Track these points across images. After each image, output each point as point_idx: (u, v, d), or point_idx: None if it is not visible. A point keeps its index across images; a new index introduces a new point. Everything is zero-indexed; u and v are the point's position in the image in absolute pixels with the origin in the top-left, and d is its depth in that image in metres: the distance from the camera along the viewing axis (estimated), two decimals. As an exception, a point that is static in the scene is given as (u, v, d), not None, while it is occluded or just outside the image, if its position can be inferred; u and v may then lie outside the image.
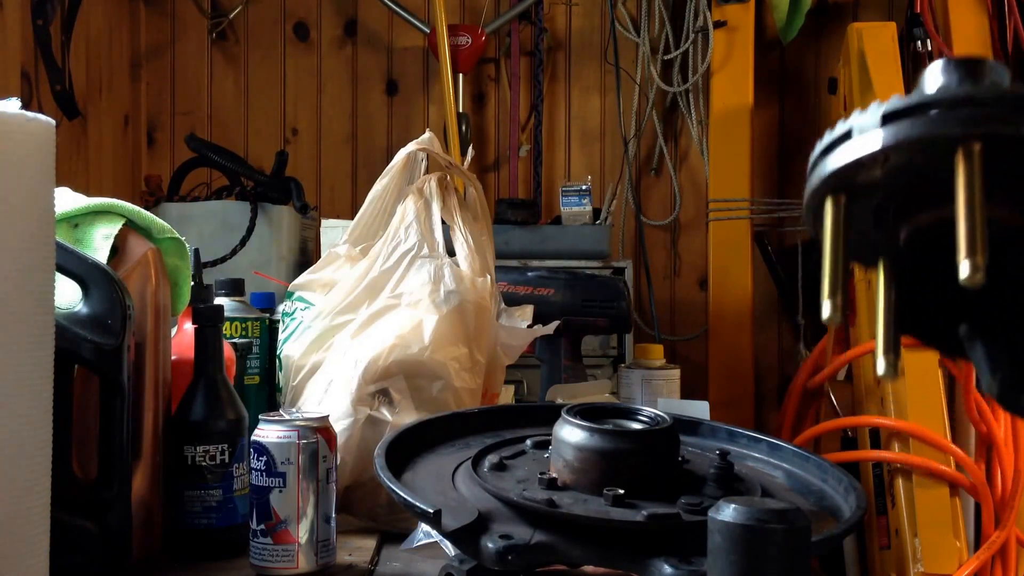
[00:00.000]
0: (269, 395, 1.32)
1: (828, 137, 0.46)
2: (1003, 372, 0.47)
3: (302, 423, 0.89)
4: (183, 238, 0.99)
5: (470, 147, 1.52)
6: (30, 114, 0.65)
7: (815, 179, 0.47)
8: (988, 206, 0.41)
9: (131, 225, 0.94)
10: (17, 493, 0.64)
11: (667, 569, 0.68)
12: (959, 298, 0.47)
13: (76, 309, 0.83)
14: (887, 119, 0.43)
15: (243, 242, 1.96)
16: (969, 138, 0.41)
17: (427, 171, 1.24)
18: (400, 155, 1.23)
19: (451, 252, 1.17)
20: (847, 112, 2.08)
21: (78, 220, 0.92)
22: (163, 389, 0.96)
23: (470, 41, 2.63)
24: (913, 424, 1.85)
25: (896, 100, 0.43)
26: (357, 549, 0.98)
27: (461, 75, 2.64)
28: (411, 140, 1.24)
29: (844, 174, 0.45)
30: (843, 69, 2.27)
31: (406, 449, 0.87)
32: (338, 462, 0.94)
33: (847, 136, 0.45)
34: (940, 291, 0.48)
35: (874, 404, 2.03)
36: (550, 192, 2.75)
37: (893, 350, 0.45)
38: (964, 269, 0.39)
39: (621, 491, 0.75)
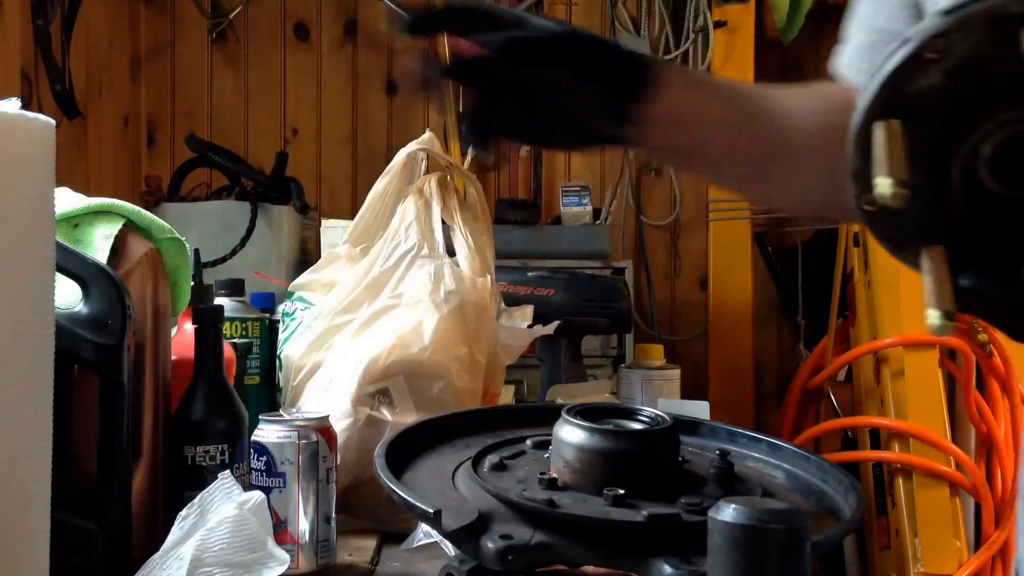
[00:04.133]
0: (269, 395, 1.32)
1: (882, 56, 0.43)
2: None
3: (302, 423, 0.89)
4: (183, 238, 0.99)
5: (470, 147, 1.52)
6: (30, 114, 0.65)
7: (862, 102, 0.44)
8: None
9: (131, 225, 0.94)
10: (17, 493, 0.64)
11: (667, 569, 0.68)
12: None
13: (76, 309, 0.83)
14: (949, 12, 0.41)
15: (243, 242, 1.96)
16: None
17: (427, 171, 1.24)
18: (400, 155, 1.23)
19: (451, 252, 1.17)
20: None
21: (78, 220, 0.92)
22: (163, 389, 0.96)
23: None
24: (913, 424, 1.85)
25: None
26: (357, 549, 0.98)
27: (461, 75, 2.64)
28: (411, 140, 1.24)
29: (899, 79, 0.42)
30: (843, 69, 2.27)
31: (406, 449, 0.87)
32: (338, 462, 0.94)
33: (905, 41, 0.42)
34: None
35: (874, 404, 2.03)
36: (550, 192, 2.75)
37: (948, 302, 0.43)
38: None
39: (621, 491, 0.75)
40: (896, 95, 0.44)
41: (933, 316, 0.44)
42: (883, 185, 0.42)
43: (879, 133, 0.44)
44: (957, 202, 0.46)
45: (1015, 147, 0.44)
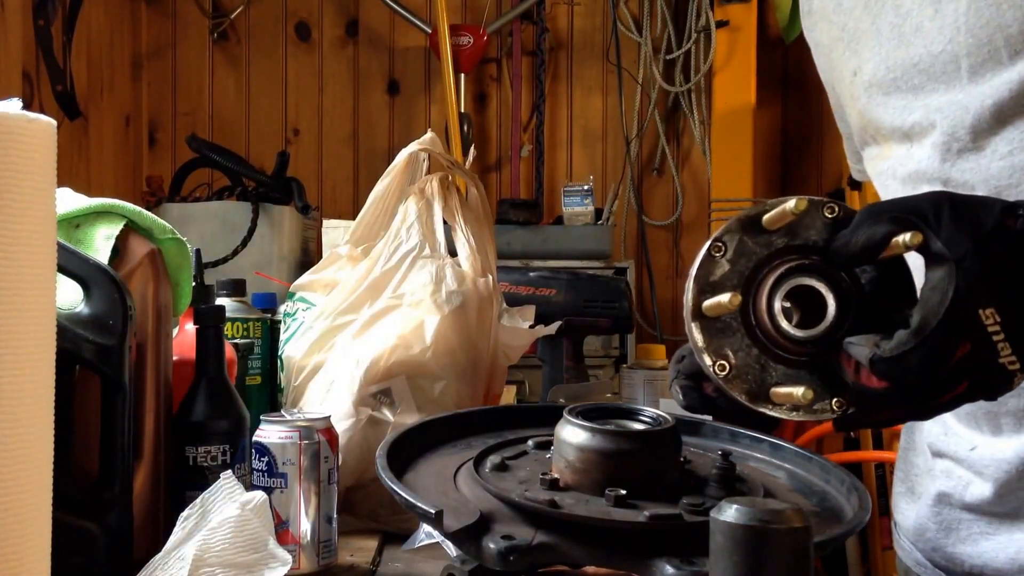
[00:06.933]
0: (270, 395, 1.32)
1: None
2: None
3: (304, 424, 0.89)
4: (184, 238, 0.99)
5: (472, 147, 1.52)
6: (31, 114, 0.65)
7: (687, 295, 0.65)
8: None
9: (132, 226, 0.94)
10: (18, 494, 0.64)
11: (669, 570, 0.68)
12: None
13: (77, 310, 0.83)
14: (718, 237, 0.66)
15: (244, 242, 1.96)
16: (767, 210, 0.65)
17: (429, 171, 1.24)
18: (402, 155, 1.23)
19: (453, 252, 1.17)
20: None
21: (79, 221, 0.92)
22: (164, 389, 0.96)
23: (471, 41, 2.63)
24: (915, 424, 1.84)
25: None
26: (359, 549, 0.98)
27: (463, 75, 2.65)
28: (412, 140, 1.24)
29: (703, 272, 0.64)
30: (845, 69, 2.27)
31: (408, 449, 0.87)
32: (339, 463, 0.94)
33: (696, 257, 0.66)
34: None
35: (876, 404, 2.02)
36: (552, 192, 2.75)
37: None
38: (788, 204, 0.63)
39: (623, 491, 0.74)
40: (706, 280, 0.64)
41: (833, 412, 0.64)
42: (723, 297, 0.62)
43: (707, 304, 0.63)
44: (777, 342, 0.63)
45: (800, 299, 0.63)
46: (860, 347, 0.60)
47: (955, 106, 0.76)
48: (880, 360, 0.59)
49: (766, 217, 0.63)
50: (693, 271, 0.65)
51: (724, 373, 0.64)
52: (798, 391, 0.61)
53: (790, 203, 0.61)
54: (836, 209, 0.64)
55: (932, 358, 0.57)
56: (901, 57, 0.80)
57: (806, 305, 0.63)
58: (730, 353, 0.64)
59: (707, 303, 0.63)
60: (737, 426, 0.81)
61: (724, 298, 0.62)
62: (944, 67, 0.77)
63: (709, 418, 1.01)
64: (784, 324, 0.63)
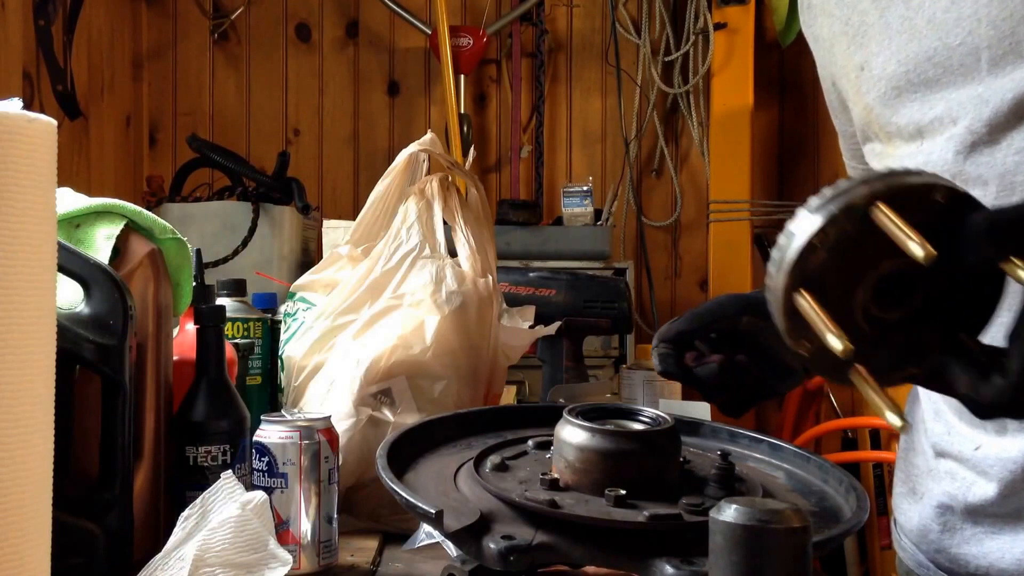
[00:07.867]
0: (271, 395, 1.32)
1: (777, 250, 0.61)
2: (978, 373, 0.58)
3: (304, 424, 0.89)
4: (185, 238, 0.99)
5: (471, 148, 1.52)
6: (32, 114, 0.65)
7: (778, 283, 0.61)
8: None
9: (133, 226, 0.94)
10: (18, 494, 0.64)
11: (668, 569, 0.68)
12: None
13: (78, 309, 0.83)
14: (817, 209, 0.59)
15: (245, 242, 1.96)
16: (875, 198, 0.57)
17: (429, 172, 1.24)
18: (402, 156, 1.23)
19: (453, 253, 1.17)
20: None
21: (80, 220, 0.92)
22: (165, 389, 0.96)
23: (471, 42, 2.63)
24: (914, 425, 1.84)
25: (815, 198, 0.60)
26: (359, 550, 0.99)
27: (462, 76, 2.65)
28: (412, 141, 1.24)
29: (801, 262, 0.59)
30: (844, 70, 2.27)
31: (408, 450, 0.87)
32: (340, 463, 0.94)
33: (790, 236, 0.60)
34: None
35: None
36: (551, 193, 2.75)
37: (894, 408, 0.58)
38: (916, 251, 0.54)
39: (623, 492, 0.75)
40: (801, 273, 0.60)
41: (892, 419, 0.58)
42: (832, 340, 0.58)
43: (799, 301, 0.60)
44: (863, 330, 0.61)
45: (890, 284, 0.60)
46: (957, 374, 0.59)
47: (974, 100, 0.75)
48: (972, 401, 0.58)
49: (881, 222, 0.58)
50: (792, 256, 0.60)
51: (807, 355, 0.62)
52: (886, 415, 0.59)
53: (918, 251, 0.55)
54: (946, 196, 0.59)
55: (1020, 402, 0.57)
56: (914, 51, 0.79)
57: (888, 285, 0.61)
58: (813, 337, 0.61)
59: (807, 312, 0.60)
60: (714, 398, 0.82)
61: (837, 346, 0.58)
62: (962, 60, 0.76)
63: (708, 418, 1.01)
64: (875, 311, 0.61)
